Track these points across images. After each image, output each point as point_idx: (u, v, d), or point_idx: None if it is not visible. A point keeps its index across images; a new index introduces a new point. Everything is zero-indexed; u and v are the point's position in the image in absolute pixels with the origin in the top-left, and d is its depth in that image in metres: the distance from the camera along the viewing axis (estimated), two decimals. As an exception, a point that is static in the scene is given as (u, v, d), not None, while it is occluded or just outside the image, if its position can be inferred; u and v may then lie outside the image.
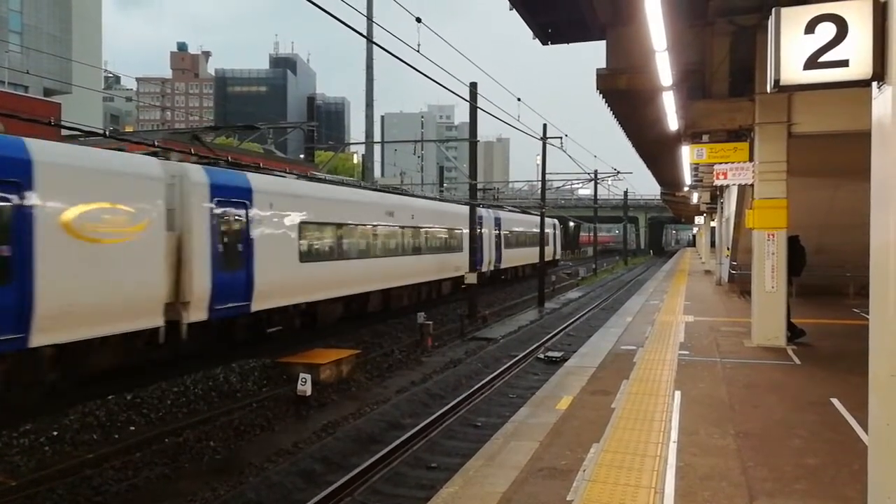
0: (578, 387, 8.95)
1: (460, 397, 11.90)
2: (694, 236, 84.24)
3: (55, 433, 9.04)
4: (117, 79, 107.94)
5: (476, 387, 12.68)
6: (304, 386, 11.57)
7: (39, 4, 47.05)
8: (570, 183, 56.89)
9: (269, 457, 9.13)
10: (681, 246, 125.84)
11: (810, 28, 3.93)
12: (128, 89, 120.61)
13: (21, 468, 8.21)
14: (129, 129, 77.24)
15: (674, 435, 6.77)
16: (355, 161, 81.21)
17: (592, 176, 48.39)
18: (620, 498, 5.20)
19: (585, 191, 74.40)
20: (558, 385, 9.20)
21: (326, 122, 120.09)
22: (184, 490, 8.12)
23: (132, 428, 9.91)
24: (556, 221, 47.07)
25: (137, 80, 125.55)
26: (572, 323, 21.89)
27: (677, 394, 8.44)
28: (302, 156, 55.85)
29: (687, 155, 14.33)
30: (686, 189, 29.96)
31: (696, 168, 18.34)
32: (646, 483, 5.50)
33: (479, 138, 24.04)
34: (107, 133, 9.07)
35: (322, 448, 9.41)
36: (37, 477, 7.96)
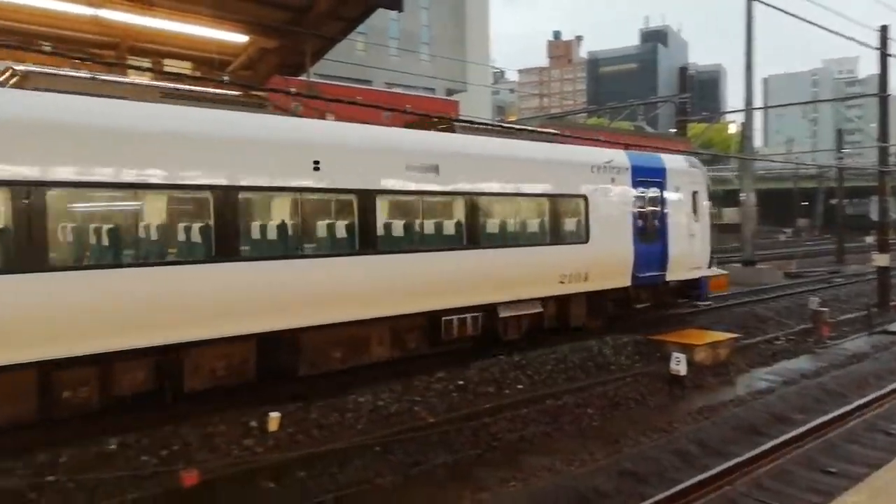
0: None
1: (867, 398, 10.28)
2: None
3: (461, 382, 10.64)
4: (502, 73, 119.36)
5: (889, 388, 10.78)
6: (678, 366, 11.38)
7: (441, 15, 54.66)
8: None
9: (643, 431, 9.30)
10: None
11: None
12: (511, 81, 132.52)
13: (436, 408, 9.90)
14: (511, 117, 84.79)
15: None
16: (731, 131, 74.87)
17: None
18: None
19: None
20: None
21: (700, 92, 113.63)
22: (564, 448, 8.81)
23: (520, 387, 11.07)
24: (690, 165, 15.44)
25: (519, 71, 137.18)
26: None
27: None
28: (673, 130, 53.97)
29: None
30: None
31: None
32: None
33: (890, 92, 20.04)
34: (493, 124, 10.35)
35: (698, 431, 9.18)
36: (448, 417, 9.52)
